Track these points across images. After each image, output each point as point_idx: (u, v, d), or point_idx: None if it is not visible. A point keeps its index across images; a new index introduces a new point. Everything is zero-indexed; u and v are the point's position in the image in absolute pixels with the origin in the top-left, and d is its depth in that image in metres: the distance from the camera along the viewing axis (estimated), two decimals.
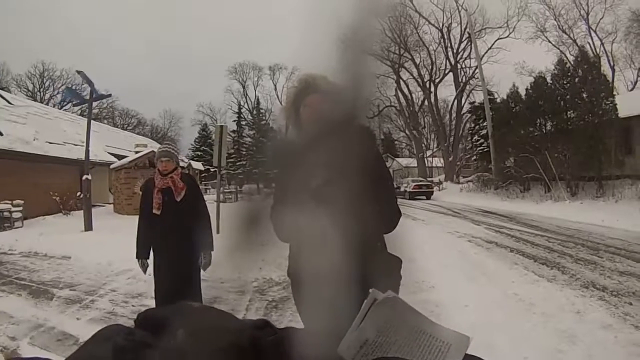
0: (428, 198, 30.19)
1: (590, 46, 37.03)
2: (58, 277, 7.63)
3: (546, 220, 14.47)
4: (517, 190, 24.59)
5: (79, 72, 14.59)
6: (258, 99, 54.22)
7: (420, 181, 33.23)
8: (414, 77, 46.08)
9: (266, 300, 6.06)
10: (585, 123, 20.12)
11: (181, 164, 4.81)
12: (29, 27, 73.96)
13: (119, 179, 19.56)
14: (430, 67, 45.97)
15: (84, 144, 14.57)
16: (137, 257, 4.39)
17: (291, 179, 1.58)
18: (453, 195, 30.74)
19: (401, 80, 45.80)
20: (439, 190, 35.00)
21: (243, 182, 37.79)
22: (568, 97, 21.64)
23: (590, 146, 19.47)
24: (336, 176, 1.28)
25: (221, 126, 12.49)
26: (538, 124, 23.02)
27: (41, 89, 54.71)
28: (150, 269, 4.39)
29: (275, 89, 59.61)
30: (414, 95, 47.61)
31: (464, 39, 44.76)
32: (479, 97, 39.68)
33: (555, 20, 40.05)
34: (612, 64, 38.04)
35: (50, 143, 19.50)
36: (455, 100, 45.77)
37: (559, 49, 38.95)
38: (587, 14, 38.27)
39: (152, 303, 5.04)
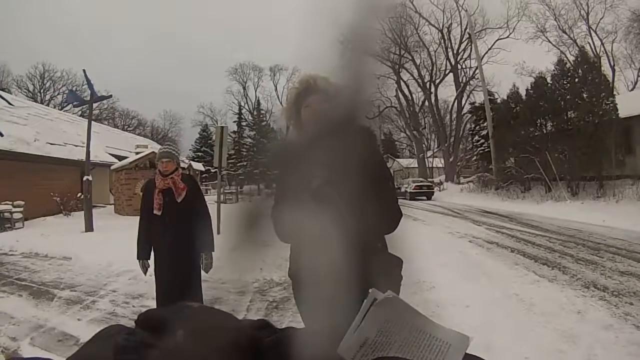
0: (429, 198, 30.19)
1: (591, 46, 37.09)
2: (59, 278, 7.64)
3: (547, 221, 14.47)
4: (518, 191, 24.59)
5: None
6: (258, 100, 54.34)
7: (421, 182, 33.22)
8: (414, 78, 46.17)
9: (267, 300, 6.06)
10: (585, 123, 20.11)
11: (182, 164, 4.82)
12: (29, 29, 74.01)
13: (119, 179, 19.57)
14: (430, 67, 46.09)
15: (85, 145, 14.58)
16: (137, 258, 4.39)
17: (292, 180, 1.58)
18: (453, 195, 30.74)
19: (402, 81, 45.86)
20: (440, 190, 35.01)
21: (243, 183, 37.84)
22: (568, 97, 21.65)
23: (591, 146, 19.47)
24: (337, 177, 1.28)
25: (222, 127, 12.49)
26: (538, 124, 23.03)
27: (42, 90, 54.84)
28: (151, 270, 4.39)
29: (276, 89, 59.85)
30: (414, 96, 47.74)
31: (464, 39, 44.87)
32: (479, 97, 39.83)
33: (555, 20, 40.14)
34: (612, 64, 38.12)
35: (50, 144, 19.52)
36: (456, 101, 45.85)
37: (559, 49, 39.02)
38: (587, 14, 38.33)
39: (152, 304, 5.04)
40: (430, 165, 47.59)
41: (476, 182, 31.88)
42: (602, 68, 25.80)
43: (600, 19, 37.91)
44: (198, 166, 36.81)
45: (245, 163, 40.50)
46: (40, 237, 12.05)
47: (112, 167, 21.01)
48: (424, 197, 30.22)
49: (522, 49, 48.10)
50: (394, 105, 47.61)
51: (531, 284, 6.60)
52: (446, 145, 44.51)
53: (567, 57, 29.43)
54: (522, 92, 25.49)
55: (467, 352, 0.62)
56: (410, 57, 44.84)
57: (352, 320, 0.63)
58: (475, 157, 39.16)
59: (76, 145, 21.11)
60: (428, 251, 8.19)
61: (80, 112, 37.94)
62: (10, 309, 5.81)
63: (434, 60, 45.95)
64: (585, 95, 20.92)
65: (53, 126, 23.13)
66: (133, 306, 5.93)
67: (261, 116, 48.56)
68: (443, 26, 45.36)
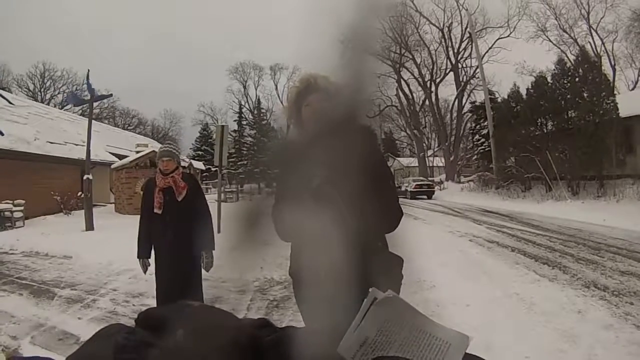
0: (429, 197, 30.18)
1: (591, 45, 37.12)
2: (59, 277, 7.64)
3: (547, 220, 14.46)
4: (518, 190, 24.57)
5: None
6: (259, 99, 54.33)
7: (422, 181, 33.20)
8: (414, 77, 46.17)
9: (267, 299, 6.06)
10: (586, 122, 20.10)
11: (182, 163, 4.81)
12: (30, 29, 74.06)
13: (119, 178, 19.58)
14: (431, 66, 46.09)
15: (85, 144, 14.59)
16: (138, 257, 4.39)
17: (292, 178, 1.58)
18: (454, 194, 30.74)
19: (402, 80, 45.88)
20: (440, 189, 35.00)
21: (244, 182, 37.85)
22: (569, 96, 21.64)
23: (591, 146, 19.46)
24: (337, 175, 1.28)
25: (222, 126, 12.48)
26: (539, 124, 23.02)
27: (42, 89, 54.88)
28: (151, 269, 4.39)
29: (276, 88, 59.86)
30: (415, 95, 47.77)
31: (464, 38, 44.86)
32: (479, 96, 39.82)
33: (556, 19, 40.12)
34: (613, 63, 38.11)
35: (51, 143, 19.53)
36: (456, 100, 45.82)
37: (559, 48, 38.98)
38: (588, 13, 38.31)
39: (153, 302, 5.04)
40: (430, 164, 47.60)
41: (477, 181, 31.88)
42: (603, 67, 25.84)
43: (601, 18, 37.94)
44: (198, 165, 36.72)
45: (245, 162, 40.50)
46: (40, 236, 12.06)
47: (112, 166, 21.02)
48: (425, 196, 30.20)
49: (523, 48, 48.06)
50: (394, 104, 47.67)
51: (531, 283, 6.59)
52: (447, 144, 44.51)
53: (567, 57, 29.42)
54: (523, 92, 25.51)
55: (467, 351, 0.62)
56: (410, 56, 44.89)
57: (352, 320, 0.63)
58: (475, 156, 39.16)
59: (76, 144, 21.13)
60: (428, 250, 8.18)
61: (80, 111, 37.96)
62: (11, 308, 5.82)
63: (434, 59, 46.02)
64: (585, 95, 20.91)
65: (53, 125, 23.15)
66: (133, 305, 5.93)
67: (261, 115, 48.57)
68: (444, 25, 45.40)
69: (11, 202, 15.03)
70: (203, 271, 4.36)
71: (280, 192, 1.79)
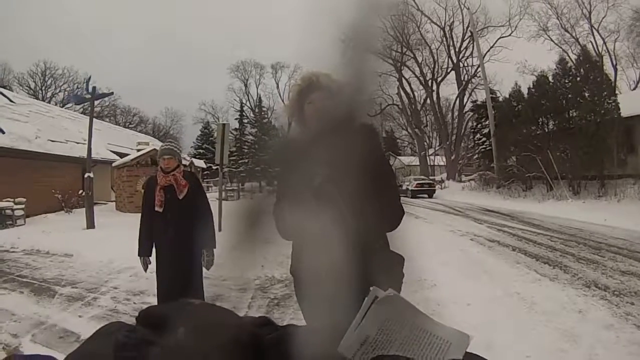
0: (430, 196, 30.19)
1: (593, 45, 37.10)
2: (60, 275, 7.64)
3: (548, 219, 14.46)
4: (519, 189, 24.58)
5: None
6: (260, 97, 54.18)
7: (423, 179, 33.23)
8: (416, 76, 46.20)
9: (268, 298, 6.06)
10: (587, 122, 20.10)
11: (183, 161, 4.81)
12: (30, 29, 74.02)
13: (121, 176, 19.58)
14: (432, 65, 46.13)
15: (86, 142, 14.58)
16: (139, 255, 4.39)
17: (294, 177, 1.58)
18: (455, 193, 30.75)
19: (403, 79, 45.91)
20: (441, 188, 35.01)
21: (245, 180, 37.82)
22: (570, 96, 21.64)
23: (593, 145, 19.46)
24: (338, 174, 1.28)
25: (223, 124, 12.48)
26: (540, 123, 23.03)
27: (43, 87, 54.85)
28: (152, 267, 4.40)
29: (278, 87, 59.78)
30: (416, 94, 47.77)
31: (466, 37, 44.86)
32: (481, 95, 39.83)
33: (558, 19, 40.12)
34: (614, 63, 38.11)
35: (52, 141, 19.53)
36: (458, 99, 45.85)
37: (561, 47, 38.98)
38: (590, 12, 38.28)
39: (154, 300, 5.05)
40: (431, 163, 47.62)
41: (478, 181, 31.90)
42: (604, 67, 25.81)
43: (603, 17, 37.93)
44: (200, 163, 36.75)
45: (246, 160, 40.45)
46: (41, 234, 12.06)
47: (113, 164, 21.01)
48: (426, 195, 30.22)
49: (524, 47, 48.04)
50: (395, 103, 47.69)
51: (532, 282, 6.59)
52: (448, 143, 44.52)
53: (569, 56, 29.40)
54: (524, 91, 25.53)
55: (468, 350, 0.62)
56: (412, 55, 44.94)
57: (353, 318, 0.63)
58: (476, 156, 39.15)
59: (77, 143, 21.12)
60: (429, 249, 8.18)
61: (81, 110, 37.96)
62: (12, 306, 5.82)
63: (435, 58, 46.04)
64: (587, 95, 20.91)
65: (54, 123, 23.14)
66: (134, 303, 5.94)
67: (263, 113, 48.51)
68: (445, 24, 45.39)
69: (12, 200, 15.02)
70: (204, 269, 4.36)
71: (282, 190, 1.79)
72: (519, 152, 24.22)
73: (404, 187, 30.48)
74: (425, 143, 49.35)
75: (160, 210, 4.25)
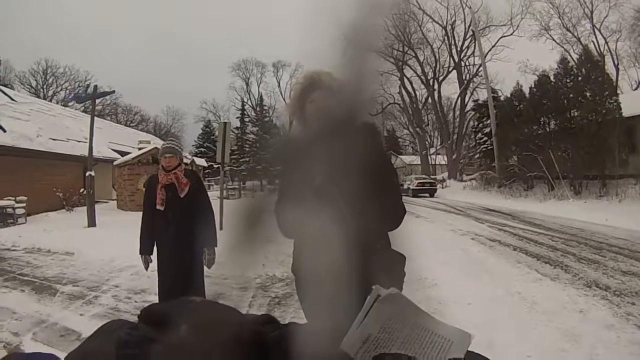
0: (431, 196, 30.18)
1: (594, 45, 36.99)
2: (61, 273, 7.65)
3: (549, 219, 14.45)
4: (521, 189, 24.55)
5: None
6: (261, 96, 54.11)
7: (424, 179, 33.21)
8: (417, 75, 46.20)
9: (269, 296, 6.07)
10: (588, 122, 20.07)
11: (185, 160, 4.82)
12: (30, 29, 73.98)
13: (122, 175, 19.61)
14: (434, 64, 46.08)
15: (87, 141, 14.59)
16: (140, 253, 4.40)
17: (295, 176, 1.58)
18: (456, 193, 30.74)
19: (405, 78, 45.92)
20: (442, 188, 34.98)
21: (246, 179, 37.82)
22: (572, 95, 21.64)
23: (594, 145, 19.44)
24: (340, 173, 1.28)
25: (225, 123, 12.47)
26: (542, 123, 23.02)
27: (44, 86, 54.78)
28: (153, 265, 4.40)
29: (279, 85, 59.71)
30: (417, 93, 47.79)
31: (467, 36, 44.82)
32: (482, 95, 39.77)
33: (559, 18, 40.04)
34: (616, 62, 38.01)
35: (53, 140, 19.55)
36: (459, 98, 45.83)
37: (563, 47, 38.92)
38: (592, 12, 38.20)
39: (155, 299, 5.06)
40: (433, 163, 47.60)
41: (479, 180, 31.89)
42: (606, 67, 25.79)
43: (605, 17, 37.81)
44: (201, 162, 36.75)
45: (248, 159, 40.42)
46: (42, 232, 12.08)
47: (114, 163, 21.06)
48: (427, 194, 30.20)
49: (526, 46, 47.83)
50: (397, 102, 47.71)
51: (533, 282, 6.59)
52: (449, 142, 44.52)
53: (570, 56, 29.42)
54: (526, 90, 25.54)
55: (469, 349, 0.62)
56: (413, 54, 44.91)
57: (355, 316, 0.63)
58: (478, 155, 39.13)
59: (79, 141, 21.14)
60: (430, 248, 8.17)
61: (83, 108, 37.89)
62: (13, 304, 5.83)
63: (437, 57, 46.00)
64: (588, 94, 20.89)
65: (56, 122, 23.15)
66: (135, 301, 5.94)
67: (264, 112, 48.48)
68: (447, 23, 45.34)
69: (13, 198, 15.04)
70: (205, 268, 4.36)
71: (283, 189, 1.79)
72: (520, 151, 24.21)
73: (405, 186, 30.45)
74: (427, 142, 49.35)
75: (162, 208, 4.26)
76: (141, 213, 4.49)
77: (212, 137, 51.45)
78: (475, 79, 44.53)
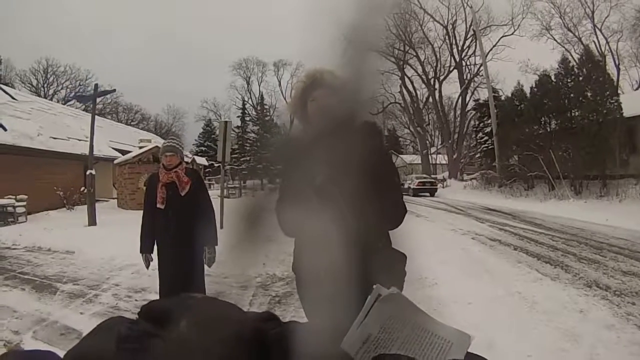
0: (432, 195, 30.13)
1: (596, 45, 36.95)
2: (61, 272, 7.66)
3: (550, 219, 14.43)
4: (521, 188, 24.54)
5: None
6: (262, 95, 54.09)
7: (424, 178, 33.17)
8: (418, 74, 46.17)
9: (269, 295, 6.07)
10: (589, 122, 20.07)
11: (185, 159, 4.82)
12: (30, 29, 73.94)
13: (122, 174, 19.62)
14: (434, 64, 46.02)
15: (88, 139, 14.59)
16: (140, 252, 4.39)
17: (296, 175, 1.58)
18: (457, 192, 30.72)
19: (406, 77, 45.95)
20: (443, 187, 34.97)
21: (247, 178, 37.80)
22: (572, 95, 21.64)
23: (595, 145, 19.43)
24: (340, 172, 1.28)
25: (225, 122, 12.47)
26: (542, 122, 23.03)
27: (45, 85, 54.76)
28: (154, 264, 4.40)
29: (280, 84, 59.73)
30: (418, 92, 47.77)
31: (468, 36, 44.77)
32: (483, 94, 39.73)
33: (561, 18, 39.96)
34: (617, 62, 37.92)
35: (54, 138, 19.56)
36: (460, 98, 45.78)
37: (564, 47, 38.83)
38: (593, 12, 38.12)
39: (155, 297, 5.05)
40: (433, 162, 47.56)
41: (479, 179, 31.89)
42: (607, 67, 25.76)
43: (606, 17, 37.72)
44: (201, 161, 36.78)
45: (248, 158, 40.38)
46: (43, 231, 12.09)
47: (115, 162, 21.06)
48: (427, 194, 30.16)
49: (527, 46, 47.80)
50: (398, 101, 47.72)
51: (533, 282, 6.58)
52: (450, 141, 44.51)
53: (571, 56, 29.41)
54: (527, 90, 25.53)
55: (469, 350, 0.62)
56: (414, 53, 44.87)
57: (355, 315, 0.63)
58: (478, 154, 39.08)
59: (79, 140, 21.14)
60: (430, 248, 8.17)
61: (83, 107, 37.87)
62: (13, 303, 5.83)
63: (438, 56, 45.95)
64: (589, 94, 20.89)
65: (56, 120, 23.16)
66: (136, 300, 5.95)
67: (265, 111, 48.45)
68: (448, 22, 45.28)
69: (14, 197, 15.05)
70: (205, 266, 4.36)
71: (284, 188, 1.79)
72: (521, 151, 24.21)
73: (406, 186, 30.43)
74: (427, 141, 49.33)
75: (162, 207, 4.26)
76: (142, 212, 4.49)
77: (212, 136, 51.45)
78: (476, 79, 44.54)
